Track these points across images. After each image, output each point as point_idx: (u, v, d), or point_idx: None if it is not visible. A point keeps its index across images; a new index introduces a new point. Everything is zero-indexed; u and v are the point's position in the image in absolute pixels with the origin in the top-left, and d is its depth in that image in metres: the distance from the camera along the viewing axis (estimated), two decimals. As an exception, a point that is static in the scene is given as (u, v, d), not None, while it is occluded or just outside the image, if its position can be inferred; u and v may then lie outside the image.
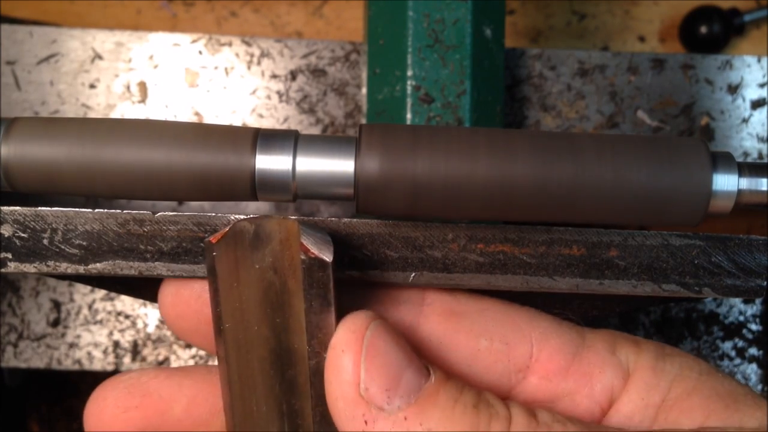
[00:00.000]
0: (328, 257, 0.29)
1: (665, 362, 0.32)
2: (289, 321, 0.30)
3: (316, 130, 0.62)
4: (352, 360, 0.28)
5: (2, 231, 0.32)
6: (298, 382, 0.31)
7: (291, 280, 0.30)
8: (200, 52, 0.62)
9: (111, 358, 0.63)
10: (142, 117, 0.61)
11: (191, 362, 0.65)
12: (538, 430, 0.27)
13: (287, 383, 0.31)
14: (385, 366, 0.28)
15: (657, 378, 0.32)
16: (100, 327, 0.63)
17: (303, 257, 0.29)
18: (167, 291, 0.33)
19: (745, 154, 0.63)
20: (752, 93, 0.63)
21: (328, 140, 0.31)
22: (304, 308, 0.30)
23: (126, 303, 0.64)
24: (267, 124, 0.62)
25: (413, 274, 0.33)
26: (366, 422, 0.27)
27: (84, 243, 0.31)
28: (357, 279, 0.33)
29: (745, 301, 0.63)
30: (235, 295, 0.30)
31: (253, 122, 0.62)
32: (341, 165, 0.31)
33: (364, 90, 0.53)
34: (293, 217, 0.30)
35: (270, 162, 0.31)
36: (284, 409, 0.31)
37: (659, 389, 0.31)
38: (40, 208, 0.32)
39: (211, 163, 0.30)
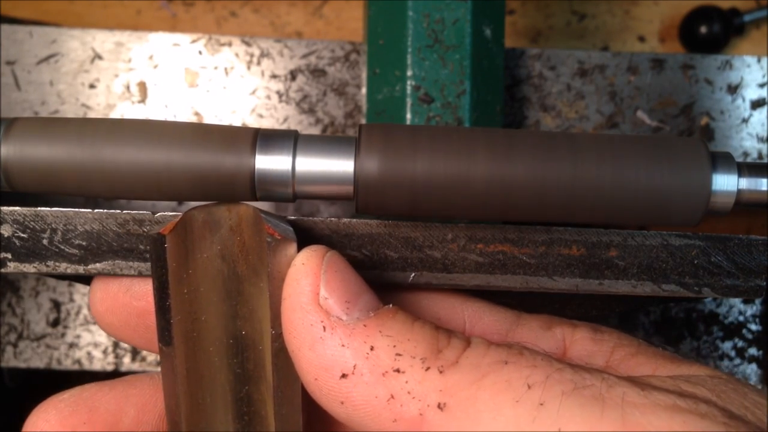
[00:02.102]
0: (292, 239, 0.29)
1: (603, 333, 0.33)
2: (240, 308, 0.30)
3: (315, 130, 0.62)
4: (312, 271, 0.28)
5: (2, 231, 0.32)
6: (253, 367, 0.30)
7: (241, 266, 0.29)
8: (200, 52, 0.62)
9: (111, 358, 0.63)
10: (142, 117, 0.61)
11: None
12: (498, 355, 0.27)
13: (242, 370, 0.30)
14: (345, 282, 0.28)
15: (597, 346, 0.33)
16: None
17: (269, 239, 0.28)
18: (96, 286, 0.33)
19: (745, 154, 0.63)
20: (752, 93, 0.63)
21: (328, 140, 0.31)
22: (263, 292, 0.29)
23: (126, 303, 0.63)
24: (267, 124, 0.62)
25: (413, 274, 0.33)
26: (324, 328, 0.27)
27: (84, 243, 0.31)
28: None
29: (745, 301, 0.63)
30: (184, 286, 0.29)
31: (253, 122, 0.62)
32: (341, 165, 0.31)
33: (363, 90, 0.53)
34: (246, 203, 0.30)
35: (270, 162, 0.31)
36: (240, 396, 0.30)
37: (601, 354, 0.32)
38: (39, 208, 0.32)
39: (210, 163, 0.30)
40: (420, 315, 0.30)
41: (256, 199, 0.32)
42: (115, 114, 0.61)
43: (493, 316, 0.35)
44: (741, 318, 0.63)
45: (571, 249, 0.33)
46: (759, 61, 0.63)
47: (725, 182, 0.31)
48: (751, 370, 0.62)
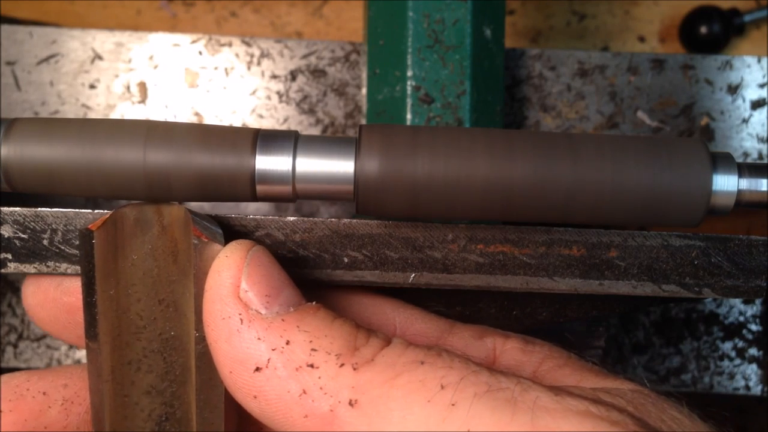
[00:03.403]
0: (220, 241, 0.29)
1: (534, 345, 0.34)
2: (170, 308, 0.30)
3: (316, 131, 0.62)
4: (235, 264, 0.28)
5: (2, 231, 0.32)
6: (180, 369, 0.30)
7: (171, 266, 0.29)
8: (200, 53, 0.62)
9: (111, 358, 0.63)
10: (142, 117, 0.61)
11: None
12: (415, 355, 0.27)
13: (168, 371, 0.30)
14: (267, 276, 0.28)
15: (527, 356, 0.33)
16: (100, 327, 0.63)
17: (195, 241, 0.28)
18: (29, 280, 0.33)
19: (745, 154, 0.63)
20: (752, 93, 0.63)
21: (328, 141, 0.31)
22: (191, 294, 0.29)
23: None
24: (267, 124, 0.62)
25: (413, 275, 0.33)
26: (242, 321, 0.27)
27: (84, 243, 0.31)
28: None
29: (745, 302, 0.63)
30: (112, 284, 0.29)
31: (253, 122, 0.62)
32: (341, 165, 0.31)
33: (364, 90, 0.53)
34: (177, 204, 0.30)
35: (270, 162, 0.31)
36: (164, 397, 0.30)
37: (530, 364, 0.33)
38: (40, 208, 0.32)
39: (211, 164, 0.30)
40: (351, 318, 0.30)
41: (257, 200, 0.32)
42: (115, 114, 0.61)
43: (425, 324, 0.35)
44: (741, 318, 0.63)
45: (571, 249, 0.33)
46: (759, 61, 0.63)
47: (725, 182, 0.31)
48: (751, 370, 0.62)
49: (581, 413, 0.25)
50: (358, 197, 0.31)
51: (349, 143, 0.31)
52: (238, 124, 0.62)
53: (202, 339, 0.29)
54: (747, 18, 0.80)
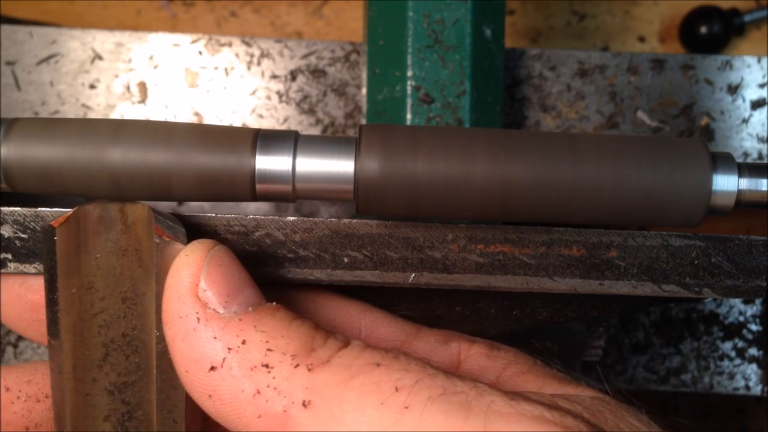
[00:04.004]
0: (182, 240, 0.29)
1: (500, 351, 0.34)
2: (133, 308, 0.30)
3: (316, 131, 0.62)
4: (194, 263, 0.28)
5: (2, 231, 0.32)
6: (143, 369, 0.30)
7: (135, 265, 0.29)
8: (200, 53, 0.62)
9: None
10: (142, 117, 0.61)
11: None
12: (372, 357, 0.27)
13: (130, 370, 0.30)
14: (227, 276, 0.28)
15: (491, 362, 0.33)
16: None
17: (157, 240, 0.28)
18: None
19: (745, 154, 0.63)
20: (752, 93, 0.63)
21: (328, 141, 0.31)
22: (154, 293, 0.29)
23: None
24: (267, 124, 0.62)
25: (413, 275, 0.33)
26: (198, 319, 0.27)
27: (84, 243, 0.31)
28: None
29: (745, 302, 0.63)
30: (74, 281, 0.29)
31: (253, 123, 0.62)
32: (341, 165, 0.31)
33: (364, 90, 0.53)
34: (141, 202, 0.29)
35: (270, 162, 0.31)
36: (125, 396, 0.30)
37: (494, 370, 0.33)
38: (40, 208, 0.32)
39: (211, 164, 0.30)
40: (316, 322, 0.30)
41: (256, 200, 0.32)
42: (115, 114, 0.61)
43: (391, 327, 0.35)
44: (741, 318, 0.63)
45: (571, 249, 0.33)
46: (759, 61, 0.63)
47: (725, 182, 0.31)
48: (751, 370, 0.62)
49: (535, 418, 0.25)
50: (358, 197, 0.31)
51: (349, 143, 0.31)
52: (238, 124, 0.62)
53: (162, 338, 0.29)
54: (747, 18, 0.80)
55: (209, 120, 0.61)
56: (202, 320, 0.27)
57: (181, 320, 0.27)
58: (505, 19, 0.54)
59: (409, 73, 0.49)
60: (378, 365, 0.26)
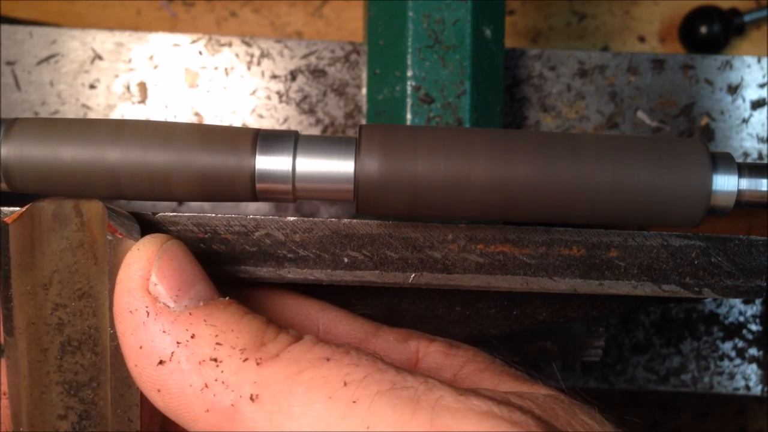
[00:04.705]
0: (136, 237, 0.29)
1: (458, 349, 0.34)
2: (89, 305, 0.29)
3: (316, 131, 0.62)
4: (146, 257, 0.28)
5: (2, 231, 0.32)
6: (98, 366, 0.30)
7: (92, 262, 0.29)
8: (200, 53, 0.62)
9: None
10: (142, 117, 0.61)
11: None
12: (322, 351, 0.27)
13: (87, 368, 0.30)
14: (179, 270, 0.28)
15: (449, 360, 0.33)
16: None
17: (110, 237, 0.28)
18: None
19: (745, 154, 0.63)
20: (752, 93, 0.63)
21: (328, 141, 0.31)
22: (103, 291, 0.29)
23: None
24: (267, 124, 0.62)
25: (413, 275, 0.33)
26: (148, 313, 0.27)
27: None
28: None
29: (745, 302, 0.63)
30: (29, 278, 0.29)
31: (253, 123, 0.62)
32: (341, 165, 0.31)
33: (364, 90, 0.53)
34: (96, 199, 0.29)
35: (270, 162, 0.31)
36: (82, 394, 0.30)
37: (451, 368, 0.33)
38: None
39: (211, 164, 0.30)
40: (275, 320, 0.29)
41: (257, 200, 0.32)
42: (115, 114, 0.61)
43: (350, 326, 0.35)
44: (741, 318, 0.63)
45: (571, 249, 0.33)
46: (759, 61, 0.63)
47: (725, 183, 0.31)
48: (751, 370, 0.62)
49: (483, 413, 0.25)
50: (358, 197, 0.31)
51: (349, 143, 0.31)
52: (238, 124, 0.62)
53: (116, 335, 0.29)
54: (747, 18, 0.80)
55: (209, 120, 0.61)
56: (152, 314, 0.27)
57: (130, 314, 0.27)
58: (505, 19, 0.54)
59: (409, 73, 0.49)
60: (328, 360, 0.27)
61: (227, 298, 0.29)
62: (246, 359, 0.26)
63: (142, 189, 0.31)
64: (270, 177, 0.31)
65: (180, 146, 0.30)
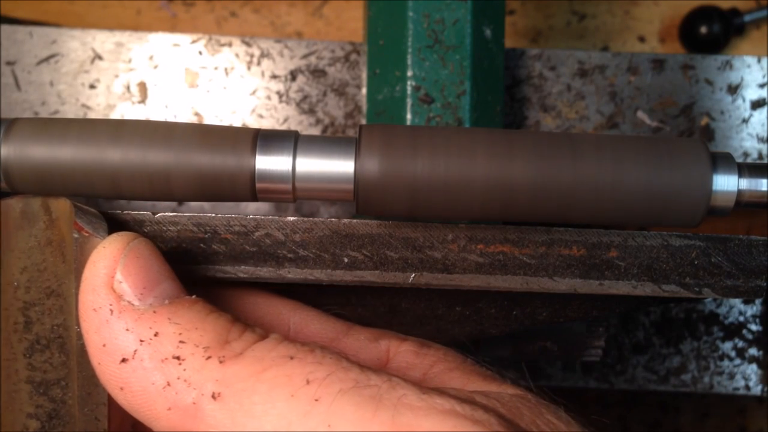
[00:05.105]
0: (102, 236, 0.29)
1: (429, 349, 0.34)
2: (58, 303, 0.29)
3: (316, 131, 0.62)
4: (111, 255, 0.28)
5: (2, 231, 0.32)
6: (66, 365, 0.30)
7: (60, 261, 0.29)
8: (200, 53, 0.62)
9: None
10: (142, 117, 0.61)
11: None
12: (287, 350, 0.27)
13: (57, 367, 0.30)
14: (145, 268, 0.28)
15: (419, 359, 0.33)
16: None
17: (76, 235, 0.28)
18: None
19: (745, 154, 0.63)
20: (752, 93, 0.63)
21: (328, 141, 0.31)
22: (71, 289, 0.29)
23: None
24: (267, 124, 0.62)
25: (413, 275, 0.33)
26: (112, 311, 0.27)
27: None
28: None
29: (745, 302, 0.63)
30: None
31: (253, 123, 0.62)
32: (341, 165, 0.31)
33: (364, 90, 0.53)
34: (64, 197, 0.29)
35: (270, 162, 0.31)
36: (51, 392, 0.30)
37: (421, 367, 0.33)
38: None
39: (211, 164, 0.30)
40: (245, 319, 0.29)
41: (257, 200, 0.32)
42: (115, 114, 0.61)
43: (321, 325, 0.35)
44: (741, 318, 0.63)
45: (571, 249, 0.33)
46: (759, 61, 0.63)
47: (725, 183, 0.31)
48: (751, 370, 0.62)
49: (445, 411, 0.25)
50: (358, 197, 0.31)
51: (349, 143, 0.31)
52: (238, 124, 0.62)
53: (82, 334, 0.29)
54: (747, 18, 0.80)
55: (209, 120, 0.61)
56: (115, 312, 0.27)
57: (94, 312, 0.27)
58: (505, 19, 0.54)
59: (409, 73, 0.49)
60: (291, 358, 0.27)
61: (194, 297, 0.29)
62: (209, 357, 0.26)
63: (142, 189, 0.31)
64: (270, 177, 0.31)
65: (180, 146, 0.30)
